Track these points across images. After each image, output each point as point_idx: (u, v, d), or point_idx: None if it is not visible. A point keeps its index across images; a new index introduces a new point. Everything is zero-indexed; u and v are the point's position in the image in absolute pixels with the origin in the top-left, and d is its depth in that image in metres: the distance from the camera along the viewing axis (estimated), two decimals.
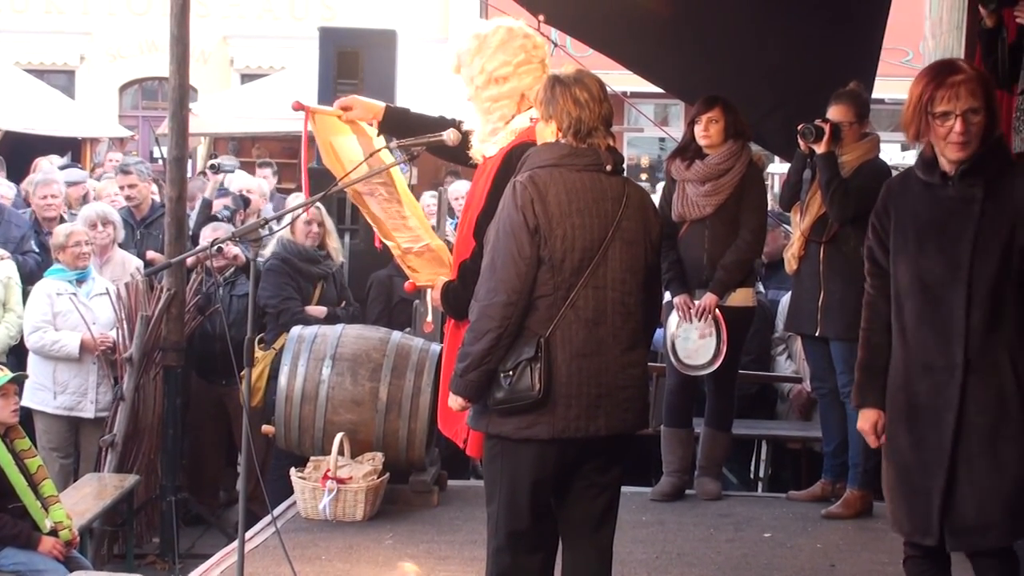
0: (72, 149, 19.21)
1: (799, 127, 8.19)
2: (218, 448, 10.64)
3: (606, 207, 5.27)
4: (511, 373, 5.18)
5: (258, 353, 9.50)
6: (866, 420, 5.39)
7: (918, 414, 5.23)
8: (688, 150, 8.49)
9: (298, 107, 6.14)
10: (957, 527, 5.17)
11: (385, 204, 6.27)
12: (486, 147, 5.83)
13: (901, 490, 5.33)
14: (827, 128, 8.09)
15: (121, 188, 11.72)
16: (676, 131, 21.97)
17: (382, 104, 6.28)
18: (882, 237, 5.32)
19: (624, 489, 5.99)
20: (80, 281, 9.80)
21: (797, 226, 8.47)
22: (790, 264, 8.49)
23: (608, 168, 5.31)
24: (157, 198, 11.86)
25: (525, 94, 5.71)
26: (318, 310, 9.83)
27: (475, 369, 5.26)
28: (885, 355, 5.33)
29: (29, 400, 9.20)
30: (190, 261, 10.03)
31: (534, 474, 5.33)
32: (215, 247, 7.50)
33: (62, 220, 11.19)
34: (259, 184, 11.78)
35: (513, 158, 5.51)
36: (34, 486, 7.74)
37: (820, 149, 8.11)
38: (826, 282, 8.19)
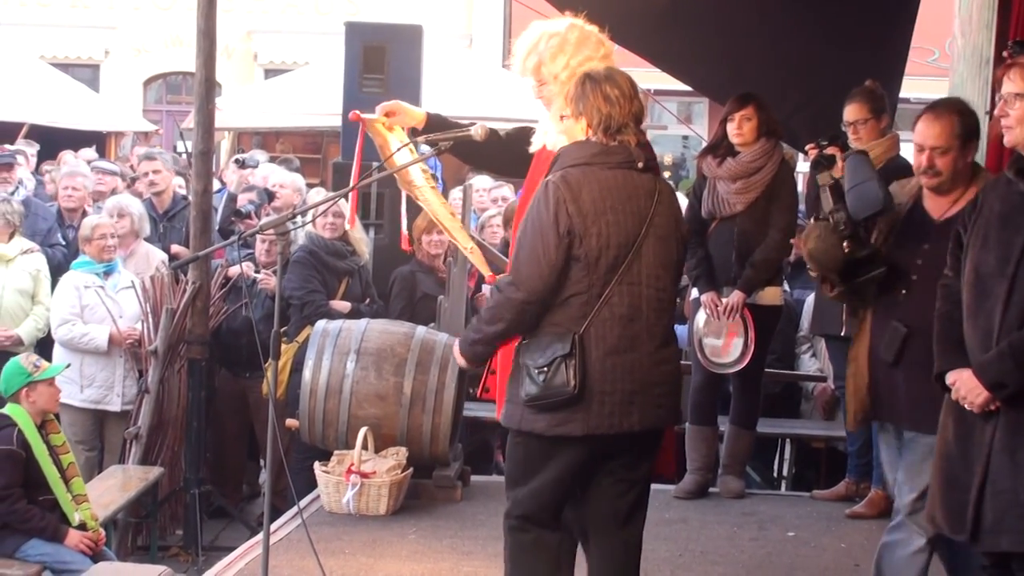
0: (97, 143, 19.25)
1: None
2: (241, 441, 10.65)
3: (639, 203, 5.30)
4: (546, 370, 5.18)
5: (281, 346, 9.48)
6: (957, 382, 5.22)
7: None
8: (720, 147, 8.48)
9: (356, 118, 6.09)
10: (978, 524, 5.11)
11: (438, 207, 6.27)
12: (561, 139, 5.82)
13: (939, 481, 5.31)
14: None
15: (145, 174, 11.73)
16: (700, 128, 21.98)
17: (423, 112, 6.24)
18: (966, 226, 5.32)
19: None
20: (107, 274, 9.83)
21: None
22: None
23: (640, 165, 5.33)
24: (182, 191, 11.87)
25: None
26: (342, 305, 9.83)
27: (484, 345, 5.39)
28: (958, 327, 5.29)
29: None
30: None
31: (563, 470, 5.34)
32: (239, 239, 7.49)
33: (84, 213, 11.22)
34: (293, 179, 11.75)
35: None
36: (65, 481, 7.77)
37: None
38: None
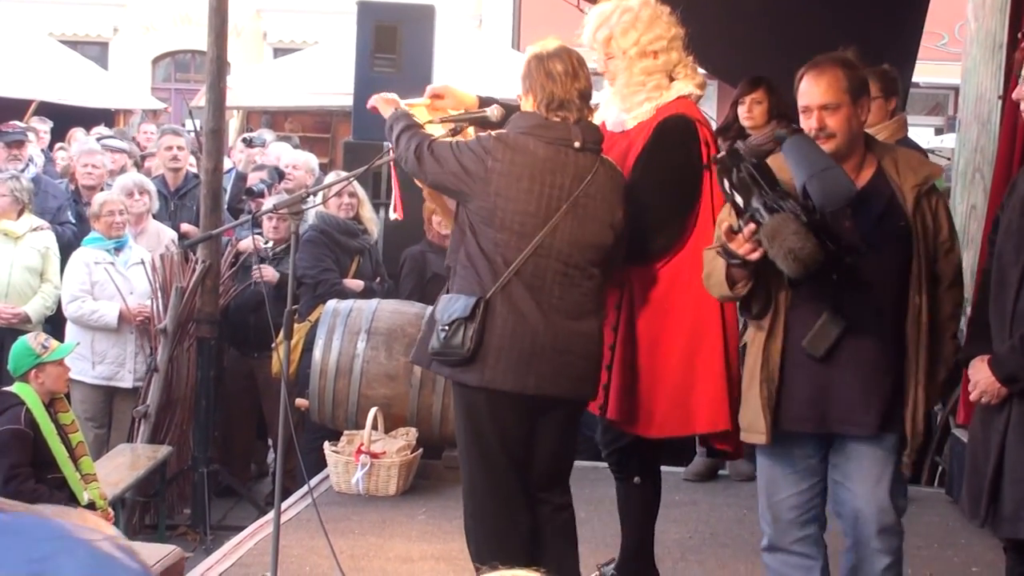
0: (105, 120, 19.23)
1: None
2: (249, 420, 10.65)
3: (563, 181, 5.43)
4: (447, 329, 5.40)
5: (293, 325, 9.44)
6: (976, 376, 5.21)
7: None
8: (730, 130, 8.47)
9: (375, 111, 6.06)
10: (998, 513, 5.13)
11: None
12: (626, 120, 5.84)
13: (967, 468, 5.33)
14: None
15: (168, 148, 11.70)
16: (709, 109, 21.90)
17: (474, 95, 6.21)
18: (1002, 211, 5.31)
19: None
20: (118, 250, 9.82)
21: None
22: None
23: (576, 145, 5.44)
24: (193, 169, 11.87)
25: (675, 67, 5.86)
26: (355, 283, 9.83)
27: (390, 127, 5.71)
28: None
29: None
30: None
31: (485, 421, 5.52)
32: (253, 219, 7.49)
33: (102, 191, 11.21)
34: (307, 159, 11.72)
35: (667, 129, 5.63)
36: (74, 460, 7.76)
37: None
38: None
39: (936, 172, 5.29)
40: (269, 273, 9.80)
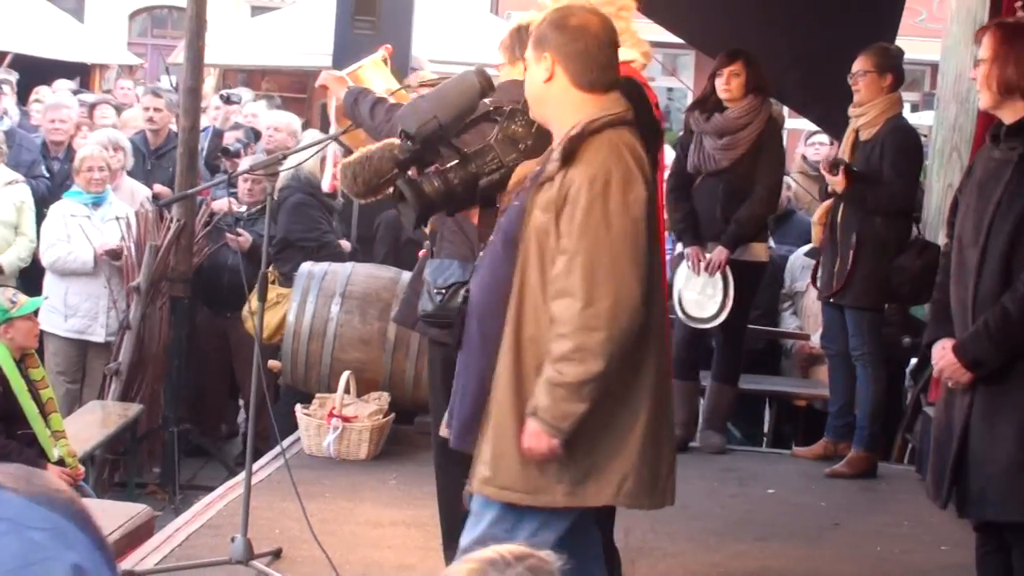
0: (81, 74, 19.10)
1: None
2: (220, 380, 10.62)
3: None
4: (444, 291, 5.31)
5: (282, 289, 9.29)
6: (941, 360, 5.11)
7: None
8: (708, 102, 8.47)
9: (326, 89, 6.09)
10: (963, 495, 5.09)
11: None
12: None
13: (931, 449, 5.32)
14: (841, 167, 8.06)
15: (146, 109, 11.65)
16: (687, 79, 21.90)
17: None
18: (960, 193, 5.27)
19: None
20: (96, 205, 9.78)
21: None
22: (815, 232, 8.53)
23: None
24: (175, 128, 11.80)
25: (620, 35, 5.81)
26: (344, 244, 9.82)
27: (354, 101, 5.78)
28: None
29: (41, 322, 9.10)
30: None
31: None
32: (229, 179, 7.46)
33: (70, 145, 11.16)
34: (288, 121, 11.61)
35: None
36: (44, 416, 7.73)
37: (839, 188, 8.06)
38: (843, 250, 8.13)
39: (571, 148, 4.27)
40: (243, 238, 9.71)
